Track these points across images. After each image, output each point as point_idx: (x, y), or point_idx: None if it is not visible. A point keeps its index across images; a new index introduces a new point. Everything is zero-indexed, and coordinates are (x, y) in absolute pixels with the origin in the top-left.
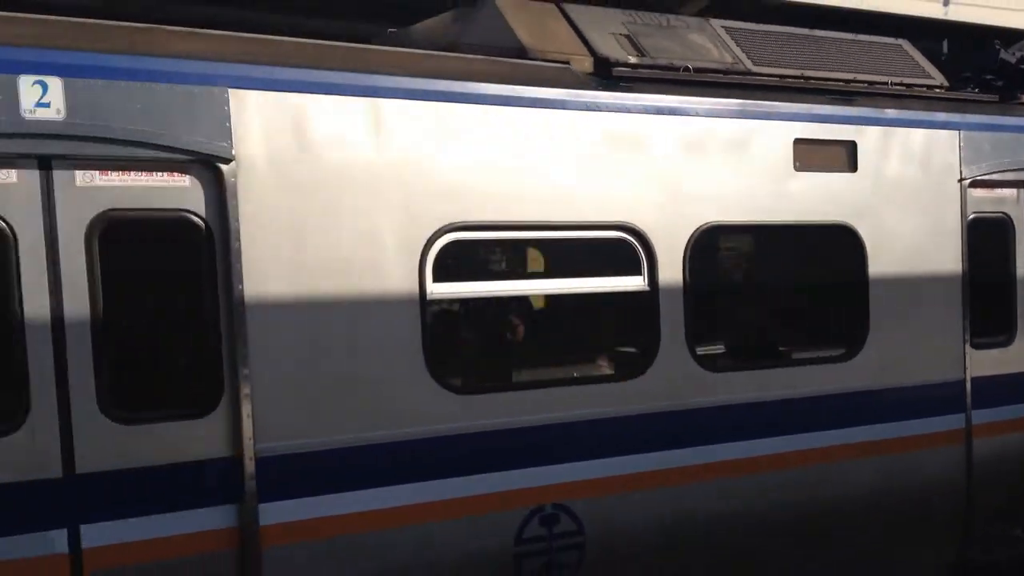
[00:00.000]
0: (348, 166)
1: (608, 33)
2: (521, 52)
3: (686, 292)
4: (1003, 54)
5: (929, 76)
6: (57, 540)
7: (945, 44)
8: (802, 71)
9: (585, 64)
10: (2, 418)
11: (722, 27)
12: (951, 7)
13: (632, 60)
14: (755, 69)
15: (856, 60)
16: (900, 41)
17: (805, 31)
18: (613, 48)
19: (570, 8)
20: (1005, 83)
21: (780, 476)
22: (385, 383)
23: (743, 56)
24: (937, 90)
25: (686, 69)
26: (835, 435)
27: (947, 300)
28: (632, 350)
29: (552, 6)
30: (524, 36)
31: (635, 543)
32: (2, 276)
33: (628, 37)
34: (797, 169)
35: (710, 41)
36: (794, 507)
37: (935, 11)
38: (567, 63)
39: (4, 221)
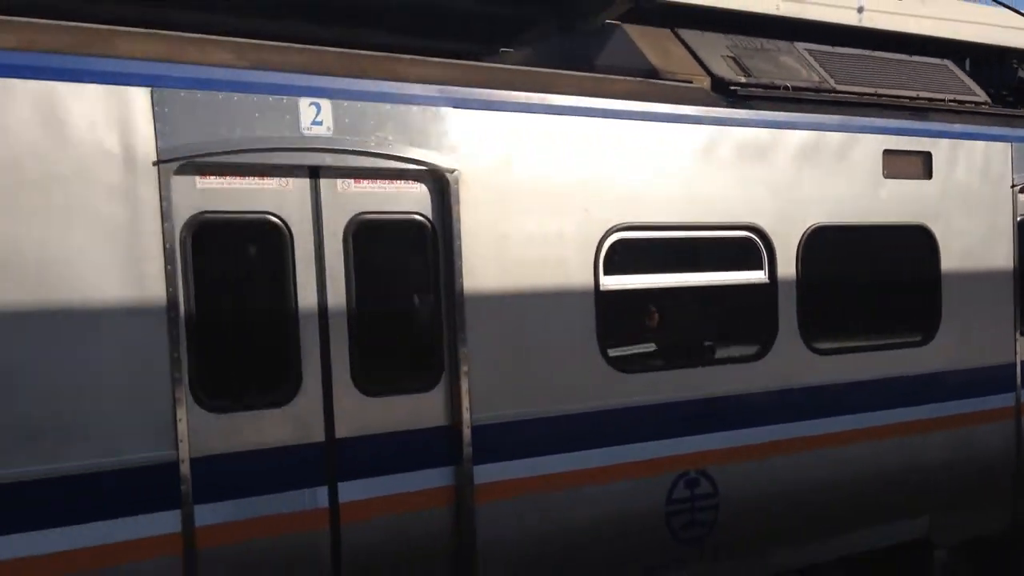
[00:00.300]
0: (540, 176)
1: (718, 55)
2: (652, 73)
3: (798, 285)
4: (1021, 72)
5: (975, 93)
6: (320, 495)
7: (967, 63)
8: (875, 88)
9: (704, 83)
10: (279, 392)
11: (805, 49)
12: (865, 14)
13: (742, 80)
14: (838, 87)
15: (915, 78)
16: (945, 61)
17: (869, 52)
18: (725, 69)
19: (683, 33)
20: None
21: (870, 446)
22: (569, 364)
23: (827, 76)
24: (984, 106)
25: (786, 87)
26: (915, 411)
27: (1001, 293)
28: (755, 336)
29: (667, 31)
30: (653, 58)
31: (757, 504)
32: (280, 266)
33: (734, 59)
34: (885, 176)
35: (797, 62)
36: (882, 473)
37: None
38: (689, 82)
39: (283, 220)
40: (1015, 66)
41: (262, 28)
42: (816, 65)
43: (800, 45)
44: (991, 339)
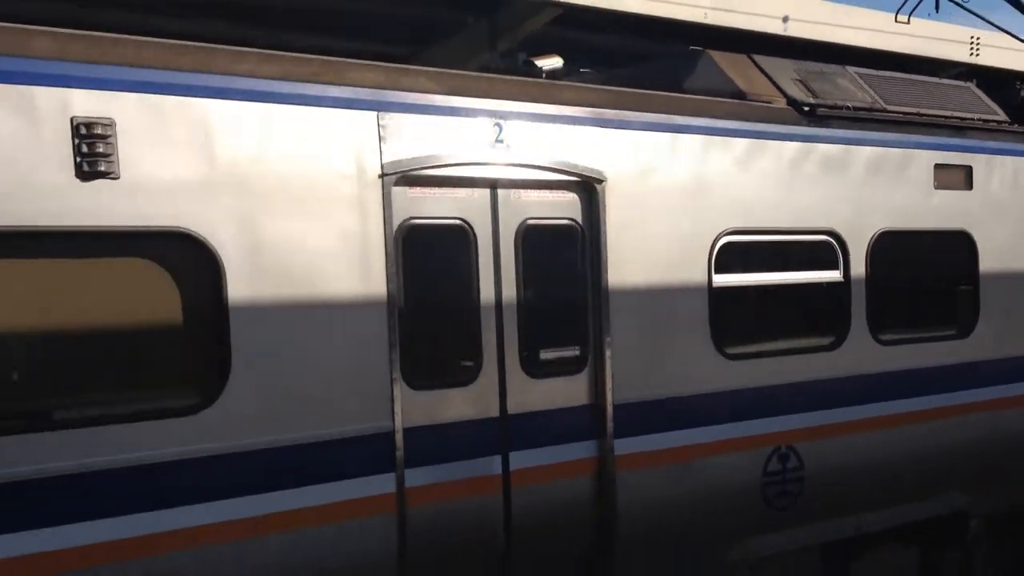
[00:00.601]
0: (666, 185)
1: (789, 79)
2: (740, 95)
3: (866, 284)
4: None
5: (997, 112)
6: (495, 463)
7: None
8: (917, 108)
9: (781, 104)
10: (465, 373)
11: (855, 72)
12: (790, 23)
13: (812, 100)
14: (888, 107)
15: (949, 99)
16: (968, 84)
17: (907, 76)
18: (796, 91)
19: (758, 58)
20: None
21: (924, 427)
22: (687, 351)
23: (877, 97)
24: (1005, 124)
25: (848, 108)
26: (958, 396)
27: None
28: (832, 329)
29: (745, 57)
30: (739, 82)
31: (834, 477)
32: (467, 265)
33: (802, 82)
34: (935, 188)
35: (851, 84)
36: (931, 450)
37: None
38: (769, 103)
39: (469, 225)
40: (1019, 87)
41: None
42: (866, 87)
43: (851, 69)
44: (1021, 334)
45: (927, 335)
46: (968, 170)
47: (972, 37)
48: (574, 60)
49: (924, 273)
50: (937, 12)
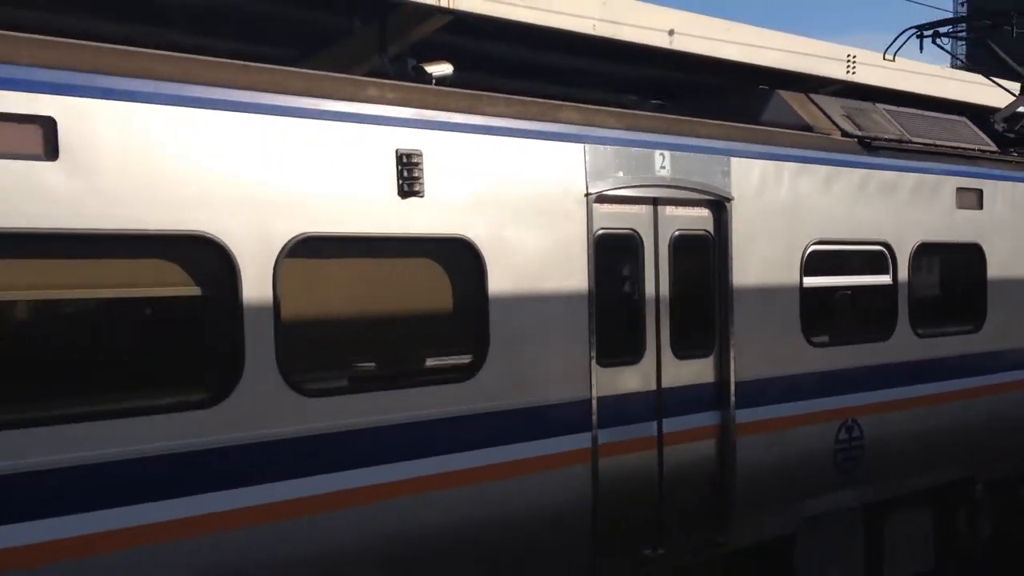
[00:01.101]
0: (774, 203)
1: (839, 115)
2: (807, 128)
3: (908, 286)
4: (996, 125)
5: (989, 144)
6: (652, 427)
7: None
8: (935, 140)
9: (837, 136)
10: (634, 355)
11: (882, 108)
12: (675, 37)
13: (859, 133)
14: (914, 139)
15: (954, 132)
16: (963, 118)
17: (919, 112)
18: (848, 125)
19: (814, 96)
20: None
21: (946, 406)
22: (785, 340)
23: (903, 130)
24: (996, 153)
25: (888, 139)
26: (967, 382)
27: None
28: (882, 323)
29: (803, 95)
30: (806, 118)
31: (885, 445)
32: (636, 266)
33: (848, 117)
34: (957, 207)
35: (882, 119)
36: (952, 425)
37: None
38: (829, 135)
39: (638, 234)
40: (992, 121)
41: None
42: (893, 121)
43: (879, 105)
44: (1017, 328)
45: (952, 330)
46: (980, 193)
47: (848, 55)
48: (463, 67)
49: (949, 277)
50: (921, 52)
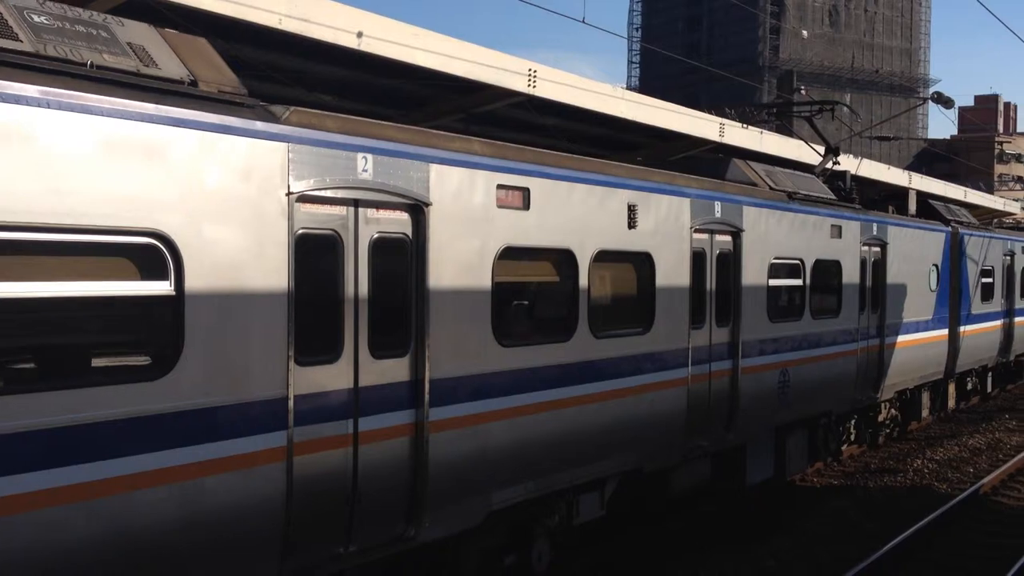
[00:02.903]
0: (761, 234)
1: (764, 173)
2: (753, 184)
3: (811, 288)
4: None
5: (831, 194)
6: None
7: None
8: (808, 191)
9: (766, 190)
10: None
11: (779, 170)
12: (364, 40)
13: (776, 187)
14: (799, 192)
15: (817, 185)
16: (811, 176)
17: (792, 171)
18: (769, 181)
19: (750, 163)
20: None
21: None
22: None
23: (790, 184)
24: (836, 201)
25: (795, 192)
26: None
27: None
28: (796, 308)
29: (744, 161)
30: (753, 177)
31: (802, 386)
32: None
33: (768, 175)
34: (830, 237)
35: (782, 175)
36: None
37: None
38: (764, 189)
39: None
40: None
41: None
42: (786, 178)
43: (777, 168)
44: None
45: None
46: (840, 228)
47: (530, 69)
48: None
49: (822, 280)
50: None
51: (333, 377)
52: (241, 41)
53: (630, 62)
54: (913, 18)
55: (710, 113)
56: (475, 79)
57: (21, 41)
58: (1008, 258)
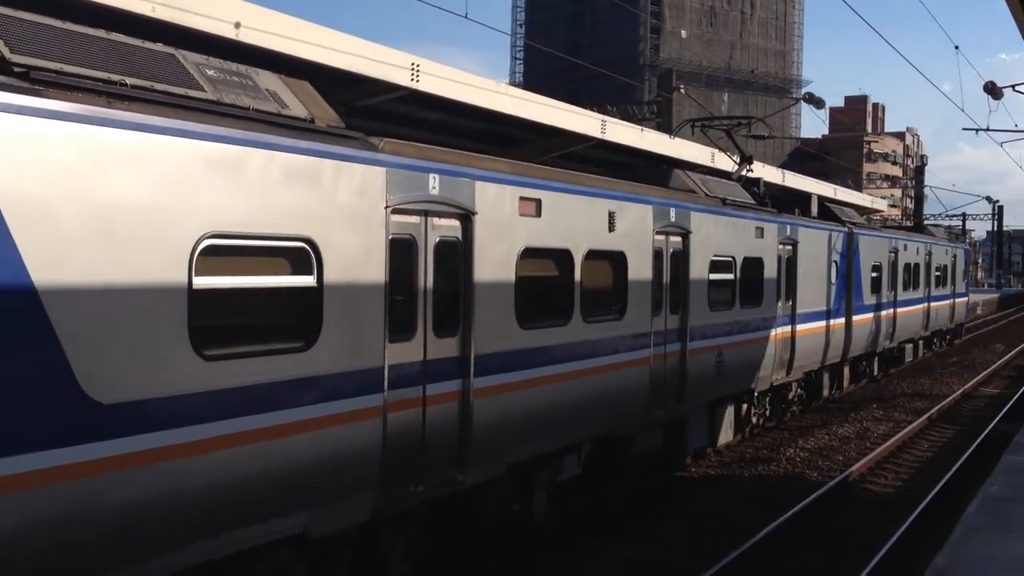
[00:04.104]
0: (706, 236)
1: (699, 183)
2: (692, 191)
3: (741, 279)
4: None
5: (751, 199)
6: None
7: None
8: (730, 196)
9: (703, 197)
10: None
11: (696, 176)
12: (241, 30)
13: (717, 195)
14: (731, 198)
15: (737, 190)
16: (736, 183)
17: (717, 179)
18: (704, 188)
19: (688, 172)
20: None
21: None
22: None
23: (719, 190)
24: (755, 205)
25: (729, 199)
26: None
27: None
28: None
29: (683, 171)
30: (692, 186)
31: (732, 365)
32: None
33: (702, 183)
34: (755, 238)
35: (712, 183)
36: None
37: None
38: (702, 196)
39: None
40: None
41: None
42: (717, 185)
43: (708, 176)
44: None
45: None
46: (762, 229)
47: (413, 63)
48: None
49: (749, 275)
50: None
51: (410, 352)
52: (114, 29)
53: (514, 58)
54: (787, 20)
55: (592, 110)
56: (357, 72)
57: (205, 91)
58: (893, 255)
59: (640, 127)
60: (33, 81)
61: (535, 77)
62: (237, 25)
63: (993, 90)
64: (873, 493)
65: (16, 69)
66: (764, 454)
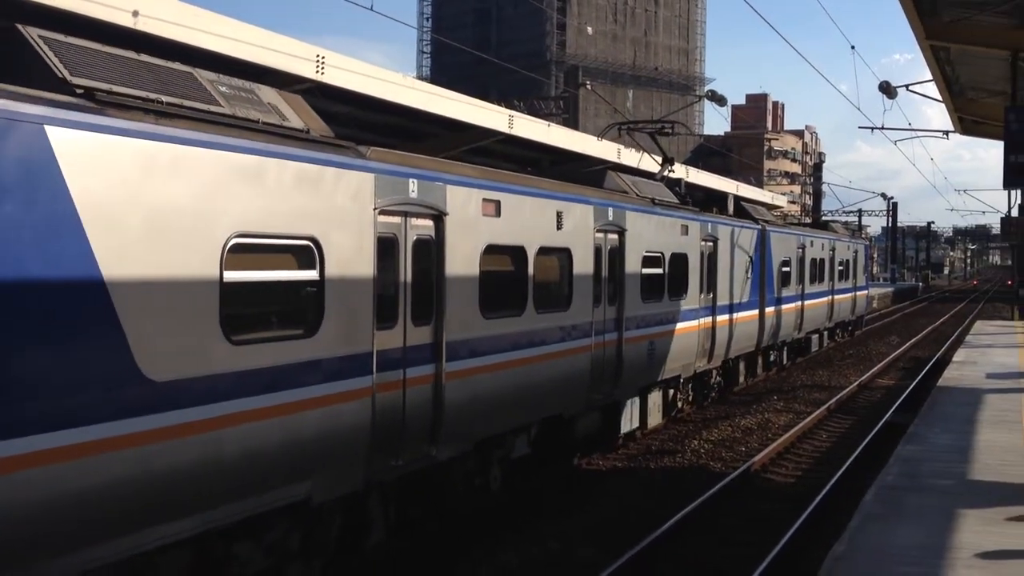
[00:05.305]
0: (640, 232)
1: (630, 184)
2: (624, 192)
3: (670, 272)
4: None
5: (674, 198)
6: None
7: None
8: (663, 198)
9: (636, 198)
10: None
11: (628, 178)
12: (139, 19)
13: (647, 196)
14: (659, 198)
15: (663, 190)
16: (660, 183)
17: (646, 179)
18: (636, 190)
19: (620, 174)
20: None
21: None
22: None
23: (648, 190)
24: (678, 203)
25: (656, 199)
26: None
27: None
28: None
29: (616, 173)
30: (626, 188)
31: (655, 351)
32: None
33: (633, 184)
34: (680, 235)
35: (643, 183)
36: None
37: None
38: (633, 197)
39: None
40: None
41: None
42: (647, 186)
43: (637, 178)
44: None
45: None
46: (687, 227)
47: (318, 55)
48: None
49: (675, 269)
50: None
51: (393, 338)
52: (12, 19)
53: (421, 52)
54: (690, 19)
55: (499, 105)
56: (261, 63)
57: (222, 106)
58: (800, 251)
59: (547, 123)
60: (98, 102)
61: (443, 71)
62: (135, 14)
63: (888, 90)
64: (774, 483)
65: (78, 91)
66: (670, 446)
